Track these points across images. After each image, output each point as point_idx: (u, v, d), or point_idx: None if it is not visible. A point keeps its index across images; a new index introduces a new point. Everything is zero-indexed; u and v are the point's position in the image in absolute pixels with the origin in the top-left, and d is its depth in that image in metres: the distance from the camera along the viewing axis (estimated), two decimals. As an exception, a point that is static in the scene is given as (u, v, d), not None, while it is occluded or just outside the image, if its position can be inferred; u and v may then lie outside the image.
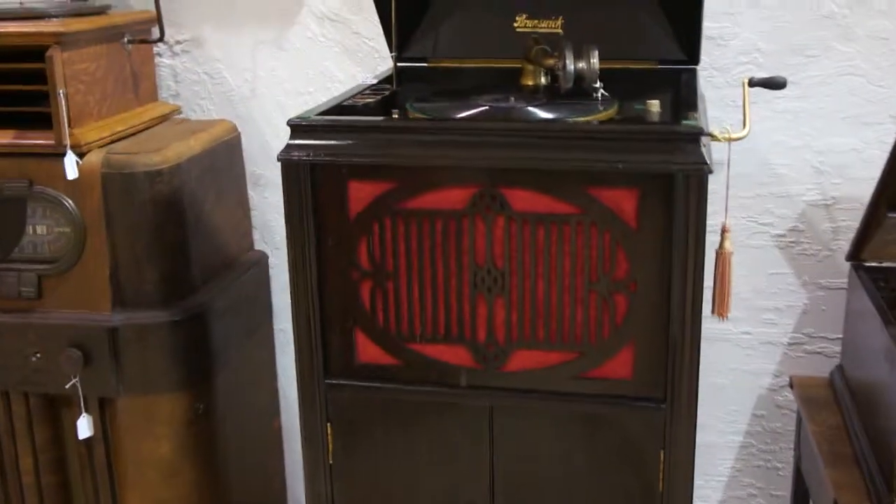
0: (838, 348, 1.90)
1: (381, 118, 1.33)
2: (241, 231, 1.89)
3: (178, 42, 1.99)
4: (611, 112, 1.37)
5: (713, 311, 1.31)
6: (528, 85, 1.61)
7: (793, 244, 1.87)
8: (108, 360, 1.62)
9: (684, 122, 1.22)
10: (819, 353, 1.93)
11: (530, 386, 1.33)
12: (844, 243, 1.85)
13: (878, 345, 1.42)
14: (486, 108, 1.38)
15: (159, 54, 1.98)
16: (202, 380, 1.70)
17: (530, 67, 1.61)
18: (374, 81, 1.60)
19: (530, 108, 1.37)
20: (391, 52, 1.66)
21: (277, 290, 2.05)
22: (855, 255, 1.69)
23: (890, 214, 1.63)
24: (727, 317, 1.31)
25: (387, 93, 1.51)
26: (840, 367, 1.76)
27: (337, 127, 1.29)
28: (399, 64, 1.67)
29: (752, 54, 1.79)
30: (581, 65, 1.40)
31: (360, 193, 1.30)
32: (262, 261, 1.94)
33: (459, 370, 1.35)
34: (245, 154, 1.97)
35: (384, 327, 1.35)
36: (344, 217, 1.31)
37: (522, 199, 1.26)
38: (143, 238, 1.60)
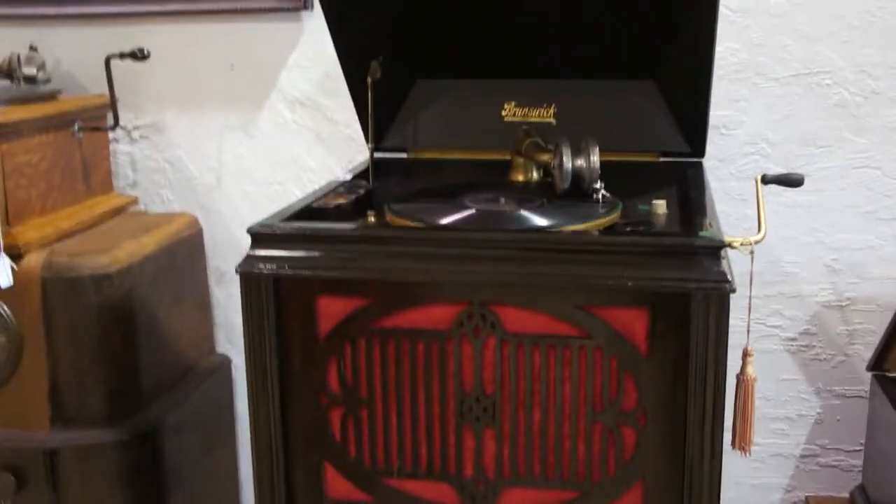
0: (856, 461, 1.74)
1: (353, 226, 1.17)
2: (200, 334, 1.71)
3: (136, 127, 1.84)
4: (614, 216, 1.21)
5: (733, 445, 1.14)
6: (519, 181, 1.46)
7: (805, 348, 1.72)
8: (44, 485, 1.44)
9: (701, 233, 1.07)
10: (834, 466, 1.77)
11: (524, 530, 1.16)
12: (861, 347, 1.71)
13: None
14: (473, 211, 1.23)
15: (116, 140, 1.83)
16: (153, 505, 1.51)
17: (521, 161, 1.46)
18: (349, 177, 1.45)
19: (523, 213, 1.21)
20: (367, 142, 1.51)
21: (242, 397, 1.87)
22: (878, 364, 1.54)
23: (917, 323, 1.49)
24: (750, 451, 1.15)
25: (362, 191, 1.35)
26: (862, 488, 1.59)
27: (304, 236, 1.13)
28: (376, 154, 1.52)
29: (759, 144, 1.66)
30: (580, 162, 1.26)
31: (331, 310, 1.14)
32: (224, 366, 1.77)
33: (443, 511, 1.18)
34: (208, 248, 1.81)
35: (356, 460, 1.18)
36: (312, 336, 1.15)
37: (516, 319, 1.10)
38: (88, 349, 1.43)
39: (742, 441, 1.14)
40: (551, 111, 1.52)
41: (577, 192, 1.27)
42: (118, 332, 1.45)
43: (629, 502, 1.14)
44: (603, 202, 1.25)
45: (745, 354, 1.12)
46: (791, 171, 1.64)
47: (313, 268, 1.12)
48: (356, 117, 1.54)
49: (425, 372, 1.14)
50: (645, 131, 1.51)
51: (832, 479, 1.75)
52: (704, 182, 1.41)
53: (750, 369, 1.13)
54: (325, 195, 1.34)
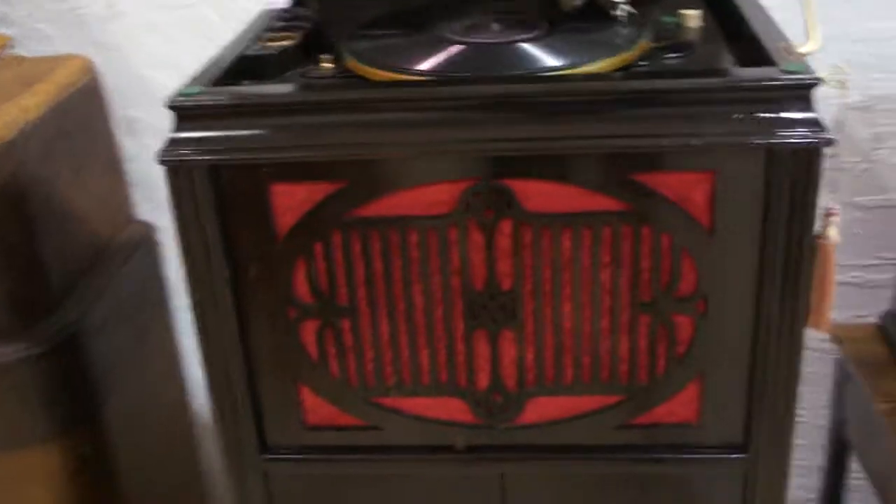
0: (873, 276, 1.56)
1: (310, 88, 0.87)
2: (113, 204, 1.41)
3: (-6, -55, 1.45)
4: (644, 43, 0.93)
5: (807, 323, 0.92)
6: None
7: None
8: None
9: (788, 67, 0.80)
10: (851, 283, 1.58)
11: (555, 442, 0.94)
12: (886, 152, 1.48)
13: None
14: (462, 47, 0.93)
15: (-30, -37, 1.45)
16: (84, 419, 1.26)
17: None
18: (283, 3, 1.12)
19: (532, 47, 0.92)
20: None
21: (173, 263, 1.59)
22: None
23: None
24: (825, 330, 0.93)
25: (306, 23, 1.03)
26: (893, 314, 1.41)
27: (246, 106, 0.83)
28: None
29: None
30: (593, -32, 0.96)
31: (291, 200, 0.86)
32: (147, 236, 1.47)
33: (454, 429, 0.95)
34: (110, 95, 1.47)
35: (341, 380, 0.93)
36: (269, 235, 0.87)
37: (538, 194, 0.84)
38: (-26, 249, 1.13)
39: (818, 318, 0.91)
40: None
41: (589, 6, 0.98)
42: (10, 223, 1.15)
43: (683, 403, 0.92)
44: (628, 20, 0.96)
45: (829, 213, 0.88)
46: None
47: (263, 149, 0.83)
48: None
49: (422, 268, 0.88)
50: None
51: (850, 298, 1.57)
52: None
53: (833, 231, 0.89)
54: (260, 33, 1.02)
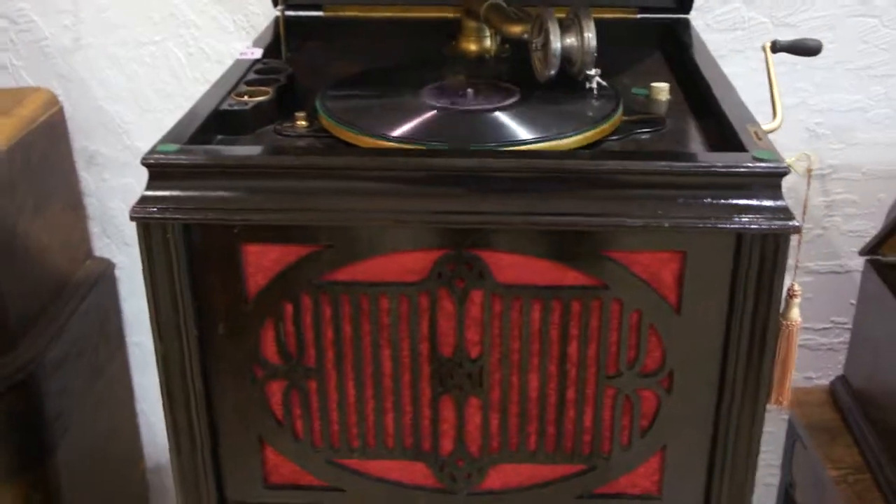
0: (825, 340, 1.60)
1: (287, 157, 0.86)
2: (73, 240, 1.40)
3: (-37, -24, 1.43)
4: (616, 119, 0.95)
5: (769, 399, 0.94)
6: (471, 51, 1.17)
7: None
8: None
9: (758, 154, 0.82)
10: (804, 345, 1.61)
11: (517, 508, 0.95)
12: (840, 219, 1.52)
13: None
14: (437, 112, 0.94)
15: (-63, -7, 1.43)
16: (36, 462, 1.24)
17: (472, 25, 1.16)
18: (257, 53, 1.12)
19: (507, 117, 0.93)
20: (274, 2, 1.19)
21: (128, 298, 1.57)
22: (873, 250, 1.35)
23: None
24: (786, 405, 0.95)
25: (281, 77, 1.04)
26: (844, 379, 1.44)
27: (222, 166, 0.83)
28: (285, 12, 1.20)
29: (740, -12, 1.40)
30: (570, 41, 0.97)
31: (263, 261, 0.86)
32: (106, 273, 1.46)
33: (417, 493, 0.95)
34: (71, 126, 1.46)
35: (306, 440, 0.93)
36: (239, 295, 0.87)
37: (510, 266, 0.85)
38: (-69, 288, 1.11)
39: (780, 394, 0.93)
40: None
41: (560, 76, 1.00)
42: (-31, 262, 1.13)
43: (645, 474, 0.93)
44: (600, 92, 0.98)
45: (791, 293, 0.90)
46: (778, 21, 1.39)
47: (236, 210, 0.83)
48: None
49: (391, 333, 0.88)
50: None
51: (802, 360, 1.60)
52: (700, 47, 1.15)
53: (795, 312, 0.91)
54: (235, 86, 1.02)
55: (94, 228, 1.56)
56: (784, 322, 0.90)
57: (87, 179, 1.53)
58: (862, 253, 1.36)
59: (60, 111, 1.38)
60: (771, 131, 1.06)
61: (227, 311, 0.87)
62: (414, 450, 0.93)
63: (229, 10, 1.44)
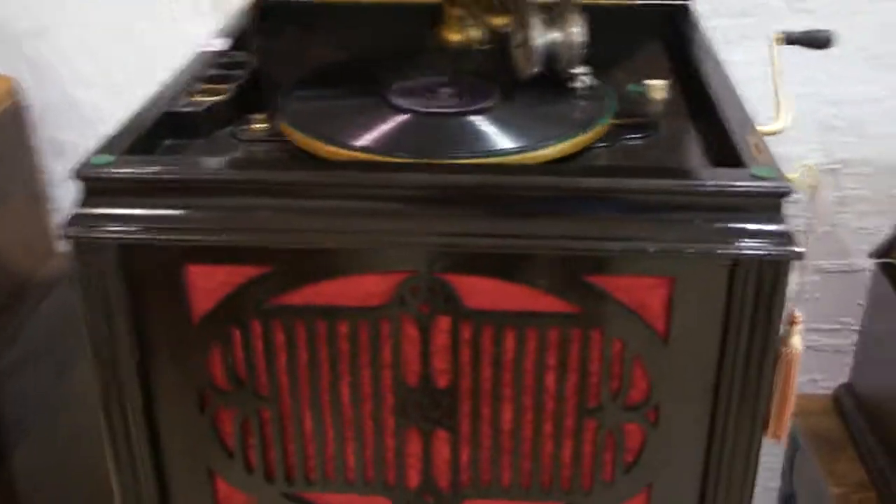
0: (832, 342, 1.51)
1: (234, 171, 0.78)
2: (36, 235, 1.32)
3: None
4: (603, 124, 0.86)
5: (765, 432, 0.86)
6: (454, 41, 1.07)
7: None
8: None
9: (758, 172, 0.73)
10: (809, 347, 1.53)
11: (490, 547, 0.88)
12: (850, 216, 1.43)
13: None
14: (406, 116, 0.86)
15: None
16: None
17: (455, 13, 1.07)
18: (221, 45, 1.03)
19: (482, 122, 0.85)
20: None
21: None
22: (885, 253, 1.27)
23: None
24: (783, 438, 0.87)
25: (242, 73, 0.95)
26: (849, 387, 1.36)
27: (163, 182, 0.75)
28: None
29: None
30: (554, 35, 0.88)
31: (208, 282, 0.78)
32: (69, 269, 1.37)
33: (380, 529, 0.88)
34: (38, 115, 1.38)
35: (260, 471, 0.86)
36: (183, 319, 0.79)
37: (480, 291, 0.77)
38: None
39: (777, 427, 0.85)
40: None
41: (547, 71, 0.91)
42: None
43: (630, 511, 0.86)
44: (588, 91, 0.89)
45: (792, 321, 0.82)
46: (794, 7, 1.30)
47: (179, 230, 0.75)
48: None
49: (351, 360, 0.80)
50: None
51: (807, 362, 1.52)
52: (701, 38, 1.06)
53: (796, 339, 0.83)
54: (190, 84, 0.94)
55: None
56: (784, 350, 0.82)
57: (57, 170, 1.45)
58: (873, 256, 1.28)
59: (22, 100, 1.29)
60: (774, 133, 0.97)
61: (170, 336, 0.80)
62: (377, 483, 0.85)
63: (202, -10, 1.36)
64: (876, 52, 1.32)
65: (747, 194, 0.72)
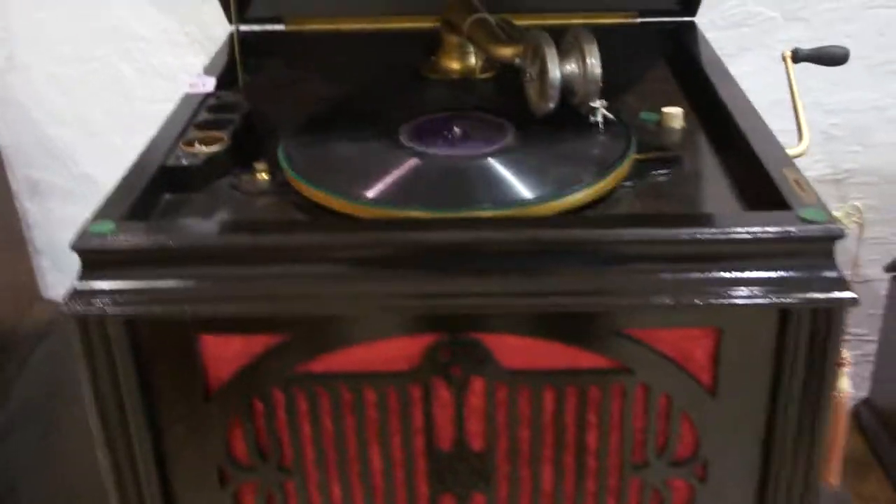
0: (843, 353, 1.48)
1: (244, 237, 0.72)
2: (18, 282, 1.25)
3: None
4: (629, 160, 0.82)
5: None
6: (453, 69, 1.03)
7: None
8: None
9: (805, 215, 0.69)
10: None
11: None
12: (856, 227, 1.40)
13: None
14: (419, 161, 0.81)
15: None
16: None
17: (454, 41, 1.03)
18: (209, 86, 0.98)
19: (502, 166, 0.80)
20: (228, 18, 1.05)
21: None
22: (899, 266, 1.24)
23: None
24: (836, 483, 0.83)
25: (236, 117, 0.90)
26: (869, 403, 1.33)
27: (167, 251, 0.70)
28: (241, 28, 1.06)
29: (747, -19, 1.27)
30: (570, 68, 0.84)
31: (225, 353, 0.73)
32: (55, 319, 1.32)
33: None
34: (9, 155, 1.31)
35: (284, 546, 0.81)
36: (197, 392, 0.74)
37: (515, 350, 0.72)
38: None
39: (828, 472, 0.82)
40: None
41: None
42: None
43: (676, 570, 0.81)
44: (606, 126, 0.85)
45: (839, 363, 0.78)
46: (788, 15, 1.26)
47: (188, 300, 0.70)
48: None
49: (380, 427, 0.75)
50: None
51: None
52: (711, 57, 1.02)
53: (844, 382, 0.79)
54: (184, 131, 0.88)
55: (44, 262, 1.42)
56: (832, 394, 0.78)
57: (32, 210, 1.39)
58: (888, 269, 1.25)
59: (-4, 141, 1.23)
60: (797, 156, 0.94)
61: (186, 410, 0.74)
62: (410, 553, 0.81)
63: (180, 20, 1.30)
64: (876, 59, 1.29)
65: (797, 240, 0.68)
